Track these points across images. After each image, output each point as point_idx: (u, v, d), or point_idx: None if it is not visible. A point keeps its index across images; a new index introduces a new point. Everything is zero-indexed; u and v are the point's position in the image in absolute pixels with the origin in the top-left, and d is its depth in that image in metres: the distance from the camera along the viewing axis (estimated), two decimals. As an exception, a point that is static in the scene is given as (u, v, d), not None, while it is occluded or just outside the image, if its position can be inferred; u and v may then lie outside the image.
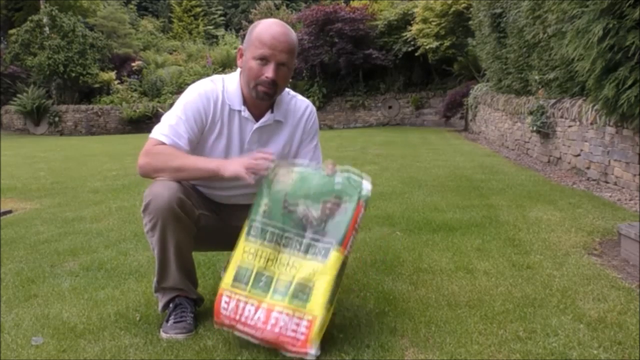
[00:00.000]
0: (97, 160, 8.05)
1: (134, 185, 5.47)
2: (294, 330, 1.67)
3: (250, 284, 1.75)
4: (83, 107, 15.85)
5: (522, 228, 3.27)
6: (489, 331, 1.86)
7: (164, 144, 1.89)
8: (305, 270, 1.72)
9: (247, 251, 1.78)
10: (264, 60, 1.87)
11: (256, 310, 1.72)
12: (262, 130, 2.01)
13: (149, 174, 1.90)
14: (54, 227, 3.72)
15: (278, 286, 1.73)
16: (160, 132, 1.91)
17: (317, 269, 1.71)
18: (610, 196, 4.26)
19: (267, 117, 2.01)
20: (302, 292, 1.70)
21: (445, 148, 8.37)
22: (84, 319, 2.07)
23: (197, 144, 1.98)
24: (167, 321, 1.94)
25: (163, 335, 1.90)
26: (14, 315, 2.14)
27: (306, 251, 1.75)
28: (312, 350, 1.65)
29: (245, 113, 1.98)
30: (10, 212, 4.29)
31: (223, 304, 1.76)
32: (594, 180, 4.96)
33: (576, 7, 4.19)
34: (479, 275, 2.44)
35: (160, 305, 2.02)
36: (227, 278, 1.78)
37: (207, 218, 2.01)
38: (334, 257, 1.72)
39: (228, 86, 1.99)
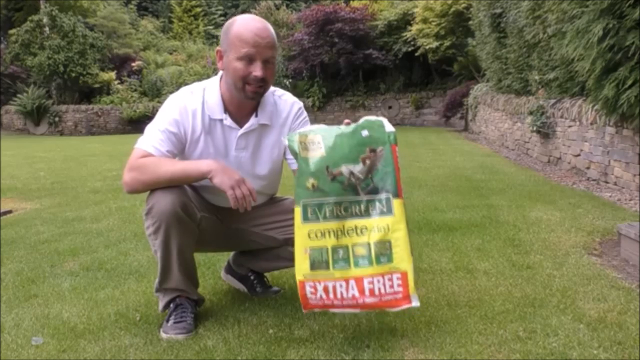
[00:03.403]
0: (97, 160, 8.05)
1: (134, 185, 5.46)
2: (391, 288, 1.69)
3: (330, 264, 1.72)
4: (83, 107, 15.83)
5: (522, 228, 3.27)
6: (489, 331, 1.86)
7: (149, 156, 1.85)
8: (378, 229, 1.71)
9: (312, 233, 1.73)
10: (249, 59, 1.83)
11: (347, 286, 1.70)
12: (247, 135, 1.98)
13: (137, 189, 1.85)
14: (54, 227, 3.72)
15: (357, 254, 1.71)
16: (141, 144, 1.87)
17: (388, 224, 1.71)
18: (610, 196, 4.26)
19: (251, 122, 1.97)
20: (383, 251, 1.70)
21: (445, 148, 8.37)
22: (84, 319, 2.07)
23: (183, 159, 1.96)
24: (168, 321, 1.94)
25: (163, 335, 1.90)
26: (14, 315, 2.14)
27: (368, 211, 1.73)
28: (414, 301, 1.70)
29: (228, 121, 1.94)
30: (10, 212, 4.29)
31: (309, 294, 1.71)
32: (594, 180, 4.96)
33: (576, 7, 4.18)
34: (479, 275, 2.44)
35: (161, 305, 2.01)
36: (302, 265, 1.72)
37: (208, 220, 2.00)
38: (398, 207, 1.72)
39: (207, 96, 1.95)
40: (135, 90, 15.96)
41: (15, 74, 16.17)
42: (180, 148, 1.93)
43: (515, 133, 7.79)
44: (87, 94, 16.26)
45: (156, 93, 15.54)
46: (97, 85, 16.02)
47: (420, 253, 2.79)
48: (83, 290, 2.41)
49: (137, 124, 15.29)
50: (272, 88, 2.02)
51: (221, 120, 1.94)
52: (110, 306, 2.19)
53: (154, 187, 1.84)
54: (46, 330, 1.98)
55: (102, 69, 16.31)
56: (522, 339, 1.80)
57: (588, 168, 5.13)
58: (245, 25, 1.84)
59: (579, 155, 5.35)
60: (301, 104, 2.11)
